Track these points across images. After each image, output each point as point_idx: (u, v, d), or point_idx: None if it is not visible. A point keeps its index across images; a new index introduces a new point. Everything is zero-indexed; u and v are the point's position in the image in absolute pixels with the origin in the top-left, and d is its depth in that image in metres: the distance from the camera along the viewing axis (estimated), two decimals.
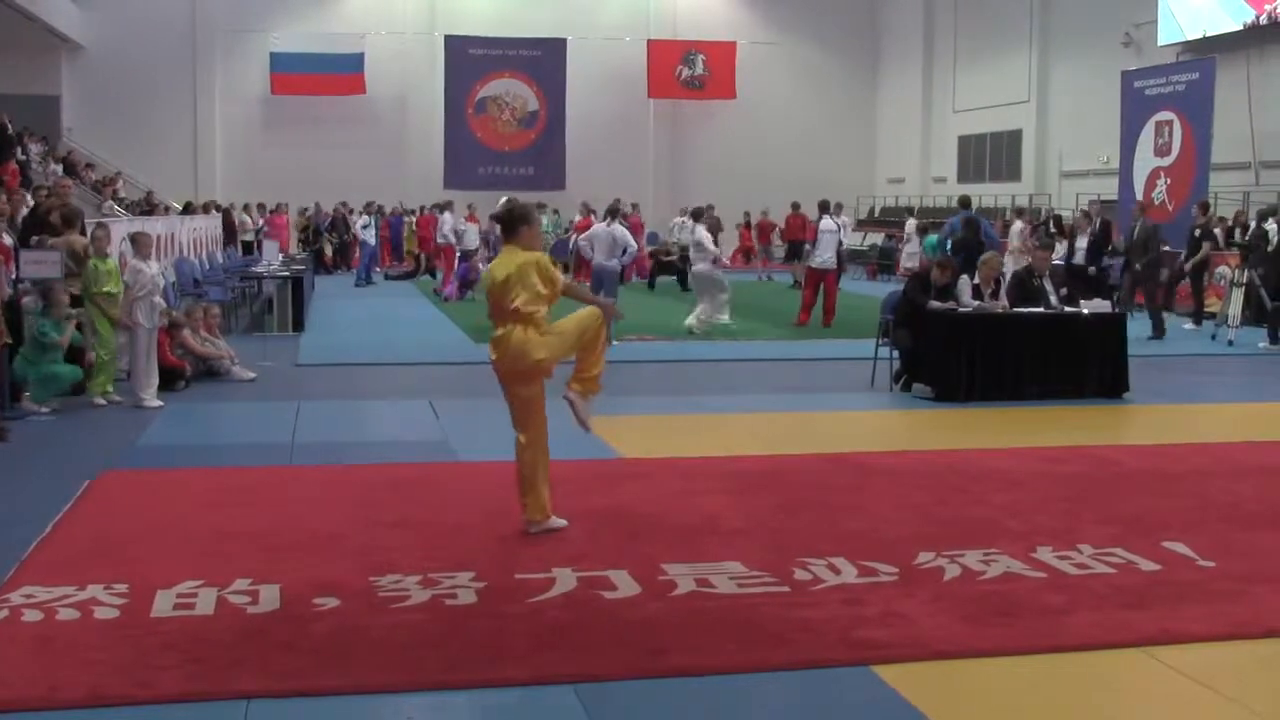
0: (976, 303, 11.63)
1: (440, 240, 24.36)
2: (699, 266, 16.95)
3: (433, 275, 26.01)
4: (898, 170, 37.09)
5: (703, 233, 16.86)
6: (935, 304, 11.55)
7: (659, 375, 13.04)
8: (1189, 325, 17.91)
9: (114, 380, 10.85)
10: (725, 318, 16.94)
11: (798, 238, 26.56)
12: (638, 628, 5.02)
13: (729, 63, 36.41)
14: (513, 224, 6.39)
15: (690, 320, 16.62)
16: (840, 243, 17.84)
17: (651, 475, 7.92)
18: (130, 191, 29.46)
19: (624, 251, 15.83)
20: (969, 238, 16.78)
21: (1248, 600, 5.44)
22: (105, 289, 10.67)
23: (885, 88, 38.10)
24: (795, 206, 28.07)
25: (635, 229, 28.14)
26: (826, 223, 17.76)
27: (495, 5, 35.80)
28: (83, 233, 11.52)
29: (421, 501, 6.55)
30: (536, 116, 35.74)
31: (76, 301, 10.75)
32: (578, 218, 28.04)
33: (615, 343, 13.78)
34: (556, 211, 30.57)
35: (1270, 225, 17.46)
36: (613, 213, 16.68)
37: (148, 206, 25.59)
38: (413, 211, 31.45)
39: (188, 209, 26.15)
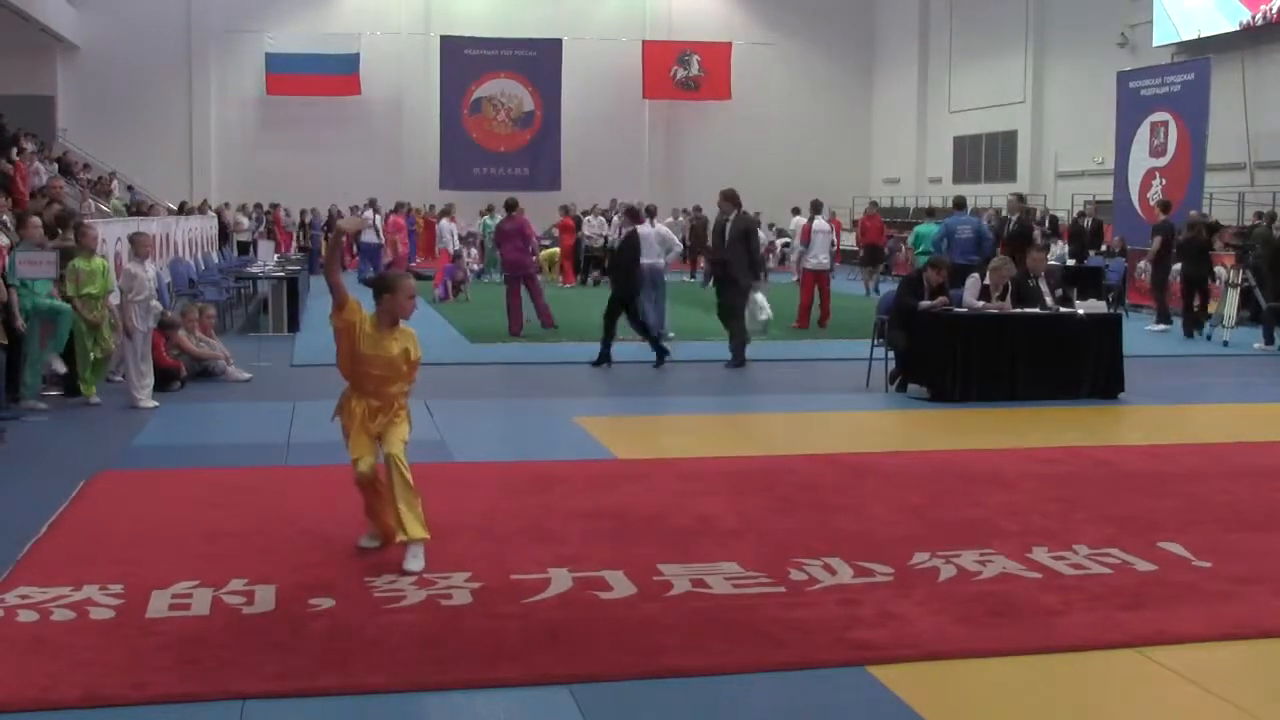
0: (982, 303, 11.61)
1: (439, 245, 24.64)
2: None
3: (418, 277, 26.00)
4: (893, 170, 37.13)
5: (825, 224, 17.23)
6: (927, 303, 11.55)
7: (655, 376, 13.02)
8: (1158, 326, 17.63)
9: (103, 380, 10.82)
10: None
11: (875, 241, 24.44)
12: (633, 628, 5.02)
13: (724, 63, 36.45)
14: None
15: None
16: (832, 243, 17.86)
17: (647, 476, 7.91)
18: (125, 194, 29.40)
19: (669, 250, 15.88)
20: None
21: (1243, 601, 5.45)
22: (86, 290, 10.51)
23: (880, 88, 38.13)
24: (874, 206, 26.04)
25: None
26: (820, 223, 17.77)
27: (490, 6, 35.81)
28: (79, 236, 11.43)
29: None
30: (532, 117, 35.76)
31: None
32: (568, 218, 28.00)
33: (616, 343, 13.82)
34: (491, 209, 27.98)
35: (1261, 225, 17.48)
36: (651, 213, 16.82)
37: (138, 210, 25.49)
38: (417, 212, 31.36)
39: (183, 209, 26.09)
